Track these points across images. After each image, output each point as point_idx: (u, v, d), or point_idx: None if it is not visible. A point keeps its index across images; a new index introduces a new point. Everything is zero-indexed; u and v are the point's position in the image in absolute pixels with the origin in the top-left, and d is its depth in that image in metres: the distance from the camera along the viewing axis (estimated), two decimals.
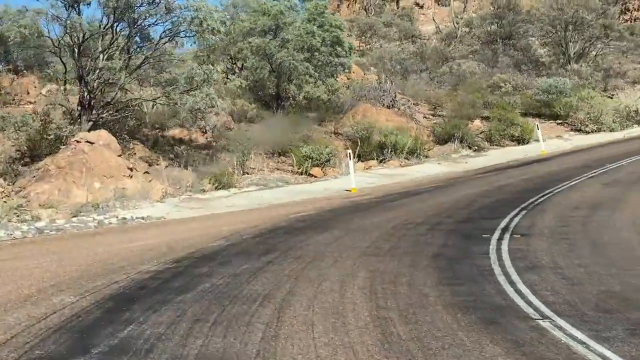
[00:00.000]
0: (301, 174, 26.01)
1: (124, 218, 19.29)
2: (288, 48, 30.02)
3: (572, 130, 35.14)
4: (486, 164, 27.74)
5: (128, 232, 17.23)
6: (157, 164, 24.07)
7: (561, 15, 42.81)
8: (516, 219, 15.61)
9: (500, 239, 13.67)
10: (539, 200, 17.91)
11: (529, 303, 9.34)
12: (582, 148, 29.95)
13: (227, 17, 25.13)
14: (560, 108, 35.35)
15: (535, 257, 12.12)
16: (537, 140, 32.13)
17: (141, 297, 10.45)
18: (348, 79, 35.20)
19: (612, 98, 38.04)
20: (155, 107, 26.91)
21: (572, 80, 37.29)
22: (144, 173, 22.74)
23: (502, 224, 15.11)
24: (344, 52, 31.43)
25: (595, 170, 22.46)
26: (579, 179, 21.05)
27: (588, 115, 34.59)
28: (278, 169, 26.76)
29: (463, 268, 11.51)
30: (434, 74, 44.39)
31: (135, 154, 24.27)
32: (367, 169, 27.77)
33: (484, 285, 10.41)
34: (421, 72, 44.94)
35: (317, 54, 30.37)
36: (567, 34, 43.00)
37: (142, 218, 19.41)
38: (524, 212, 16.51)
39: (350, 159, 23.41)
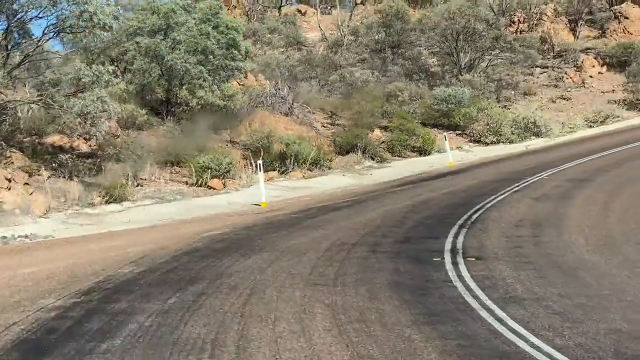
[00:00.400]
0: (199, 185, 24.04)
1: (4, 237, 16.95)
2: (180, 50, 27.95)
3: (471, 141, 34.62)
4: (394, 176, 26.57)
5: (13, 255, 14.92)
6: (39, 174, 21.54)
7: (453, 25, 42.48)
8: (460, 239, 14.32)
9: (454, 262, 12.31)
10: (474, 217, 16.73)
11: (537, 348, 7.99)
12: (489, 160, 29.23)
13: (120, 11, 22.86)
14: (460, 118, 34.78)
15: (506, 284, 10.82)
16: (440, 152, 31.43)
17: (54, 346, 8.48)
18: (241, 84, 33.37)
19: (508, 109, 37.88)
20: (30, 111, 24.28)
21: (469, 91, 36.84)
22: (24, 184, 20.24)
23: (448, 245, 13.79)
24: (241, 56, 29.62)
25: (517, 184, 21.54)
26: (504, 193, 20.06)
27: (488, 127, 34.17)
28: (173, 181, 24.67)
29: (433, 301, 10.05)
30: (324, 81, 43.15)
31: (13, 162, 21.64)
32: (268, 180, 26.04)
33: (469, 323, 8.98)
34: (311, 80, 43.65)
35: (211, 57, 28.43)
36: (459, 44, 42.70)
37: (26, 236, 17.12)
38: (464, 230, 15.26)
39: (260, 170, 21.61)
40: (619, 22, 49.07)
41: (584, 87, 43.81)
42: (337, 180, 26.13)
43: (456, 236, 14.61)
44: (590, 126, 36.65)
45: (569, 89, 43.29)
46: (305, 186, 24.88)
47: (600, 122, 37.09)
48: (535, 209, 17.62)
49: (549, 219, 16.20)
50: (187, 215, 19.59)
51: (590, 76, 44.69)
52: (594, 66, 45.39)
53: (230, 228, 16.90)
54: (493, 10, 48.32)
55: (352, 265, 12.33)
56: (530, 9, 49.62)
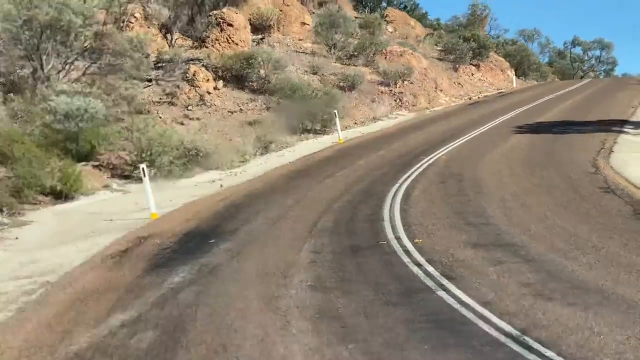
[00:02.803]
0: None
1: None
2: None
3: (116, 176, 24.03)
4: (75, 240, 15.34)
5: None
6: None
7: (37, 15, 30.88)
8: None
9: None
10: None
11: None
12: (214, 208, 18.69)
13: None
14: (97, 142, 23.93)
15: None
16: (87, 194, 21.00)
17: None
18: None
19: (175, 129, 27.82)
20: None
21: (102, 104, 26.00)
22: None
23: None
24: None
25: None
26: (425, 295, 10.73)
27: (141, 155, 23.88)
28: None
29: None
30: None
31: None
32: None
33: None
34: None
35: None
36: (46, 44, 31.18)
37: None
38: None
39: None
40: (222, 30, 42.03)
41: (205, 105, 35.59)
42: None
43: None
44: (255, 154, 28.47)
45: (189, 108, 34.62)
46: None
47: (264, 147, 29.18)
48: None
49: None
50: None
51: (208, 92, 36.69)
52: (208, 80, 37.43)
53: None
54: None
55: None
56: (120, 7, 39.66)
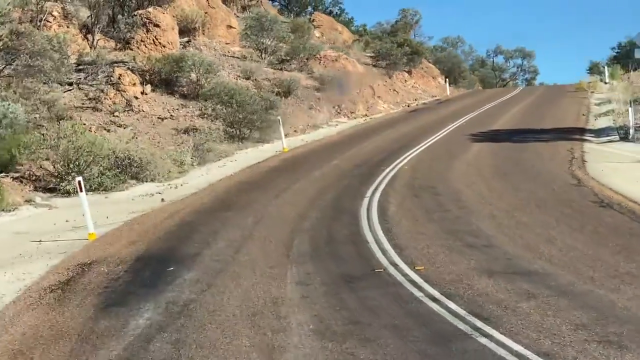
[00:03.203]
0: None
1: None
2: None
3: (40, 189, 21.43)
4: None
5: None
6: None
7: None
8: None
9: None
10: None
11: None
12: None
13: None
14: (19, 151, 21.29)
15: None
16: (8, 210, 18.44)
17: None
18: None
19: (102, 137, 25.09)
20: None
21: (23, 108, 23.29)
22: None
23: None
24: None
25: None
26: None
27: (69, 165, 21.30)
28: None
29: None
30: None
31: None
32: None
33: None
34: None
35: None
36: None
37: None
38: None
39: None
40: (148, 31, 39.39)
41: (133, 110, 32.96)
42: None
43: None
44: (193, 164, 26.12)
45: (116, 114, 31.92)
46: None
47: (201, 157, 26.86)
48: None
49: None
50: None
51: (135, 97, 34.05)
52: (135, 84, 34.78)
53: None
54: None
55: None
56: (37, 4, 36.56)
